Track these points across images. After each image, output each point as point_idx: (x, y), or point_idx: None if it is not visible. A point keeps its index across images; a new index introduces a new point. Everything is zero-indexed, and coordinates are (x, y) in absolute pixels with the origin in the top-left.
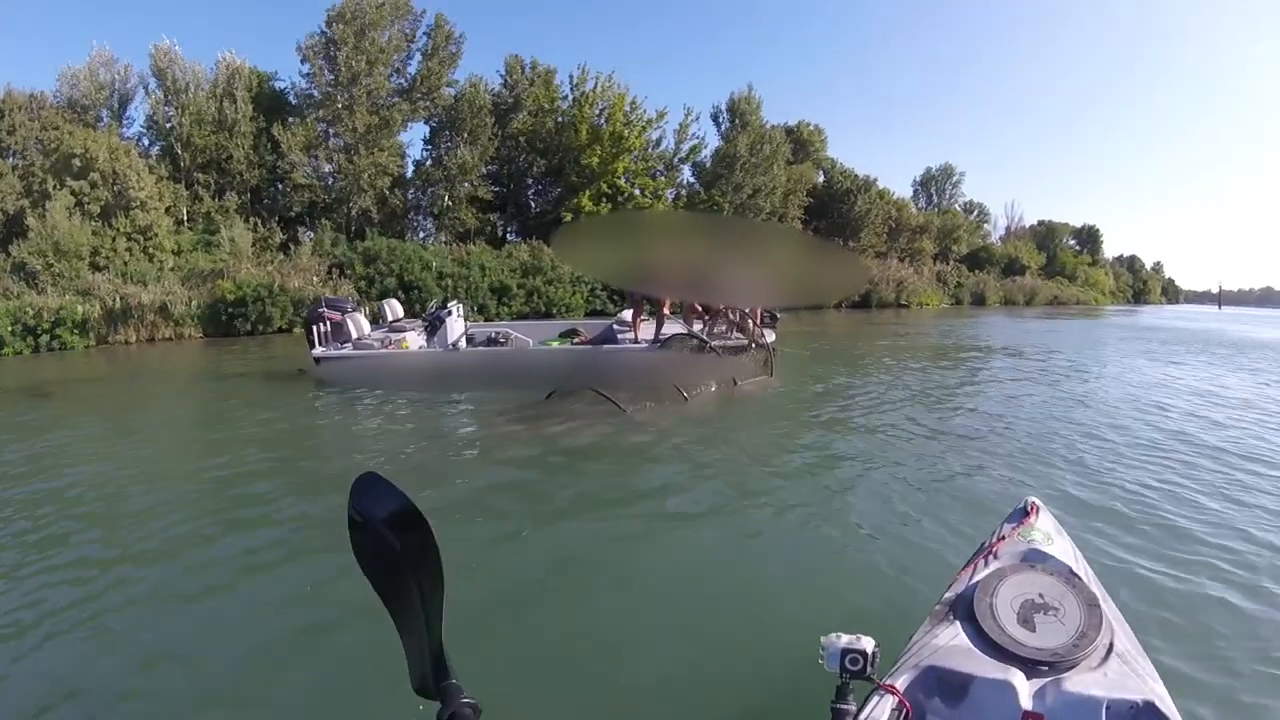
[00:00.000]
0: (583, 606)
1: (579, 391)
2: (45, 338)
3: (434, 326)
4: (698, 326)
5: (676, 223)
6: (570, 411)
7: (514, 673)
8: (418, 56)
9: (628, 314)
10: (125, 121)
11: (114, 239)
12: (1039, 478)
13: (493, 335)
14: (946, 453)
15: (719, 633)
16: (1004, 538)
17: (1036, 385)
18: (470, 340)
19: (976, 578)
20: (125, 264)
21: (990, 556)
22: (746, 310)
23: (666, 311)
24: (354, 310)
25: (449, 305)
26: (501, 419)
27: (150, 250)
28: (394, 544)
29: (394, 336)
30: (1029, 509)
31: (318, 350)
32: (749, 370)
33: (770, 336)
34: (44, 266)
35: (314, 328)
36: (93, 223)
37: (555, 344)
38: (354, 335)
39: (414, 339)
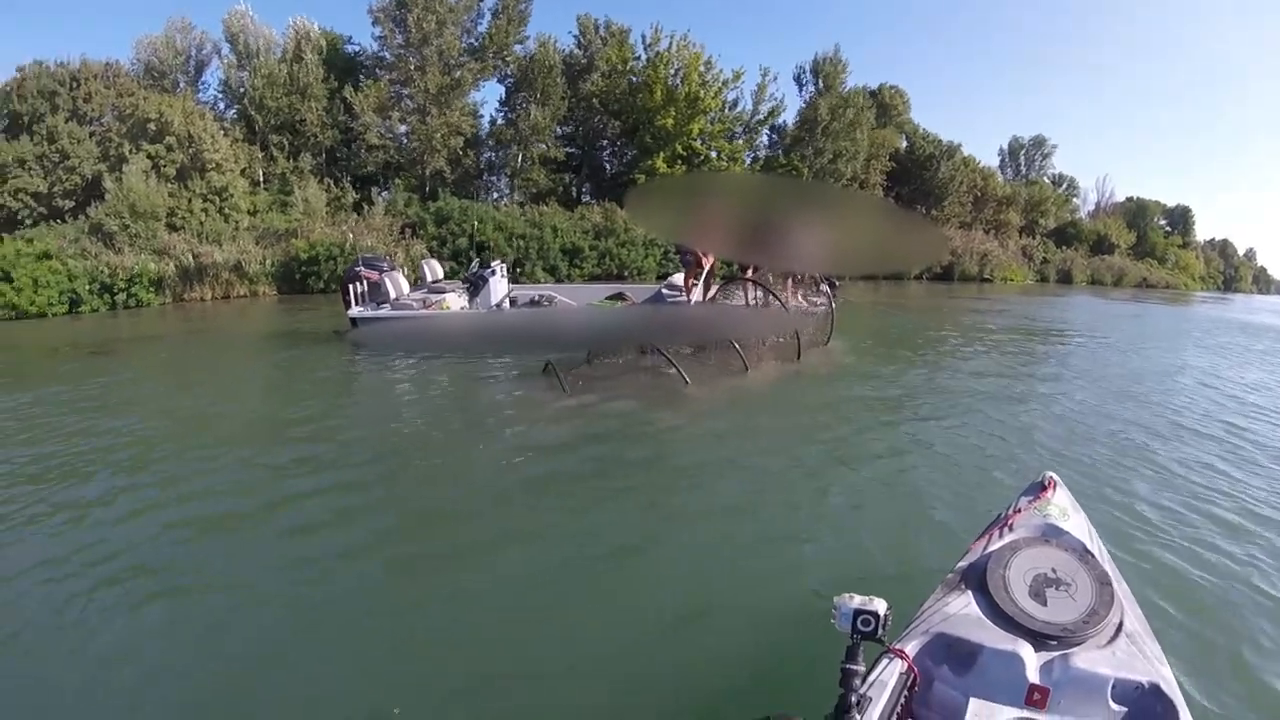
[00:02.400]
0: (610, 567)
1: (623, 353)
2: (122, 295)
3: (476, 287)
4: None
5: (751, 185)
6: (614, 377)
7: (554, 637)
8: (487, 16)
9: (679, 278)
10: (201, 86)
11: (190, 200)
12: (1061, 455)
13: (535, 298)
14: (976, 428)
15: (737, 593)
16: (1020, 510)
17: (1088, 372)
18: (513, 302)
19: (990, 549)
20: (201, 224)
21: (1005, 529)
22: (800, 277)
23: (709, 263)
24: (391, 269)
25: (492, 265)
26: (545, 387)
27: (226, 211)
28: None
29: (434, 298)
30: (1046, 484)
31: (354, 310)
32: (809, 335)
33: (821, 304)
34: (120, 227)
35: (350, 287)
36: (169, 184)
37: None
38: (392, 295)
39: (454, 300)
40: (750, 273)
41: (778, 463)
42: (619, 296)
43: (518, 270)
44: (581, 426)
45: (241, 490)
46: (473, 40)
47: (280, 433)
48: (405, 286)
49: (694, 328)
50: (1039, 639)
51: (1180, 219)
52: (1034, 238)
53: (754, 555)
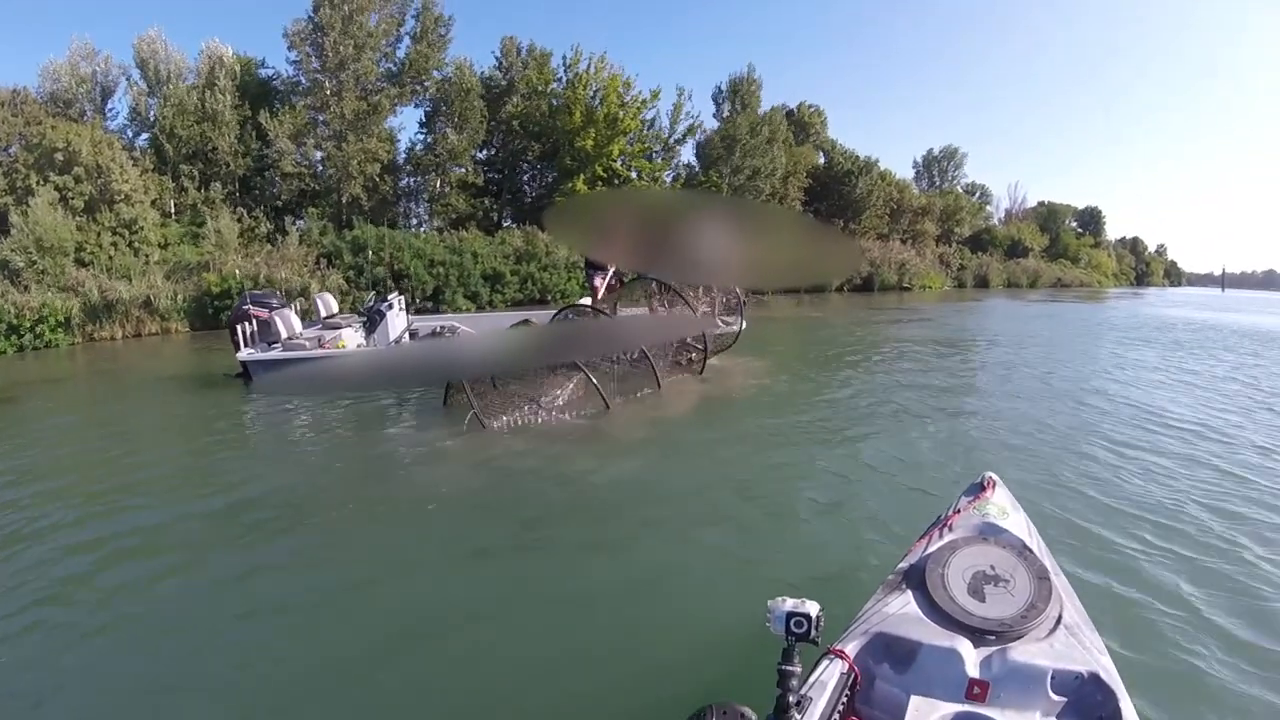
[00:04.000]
0: (542, 588)
1: (538, 376)
2: (29, 336)
3: (373, 322)
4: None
5: (670, 199)
6: (526, 407)
7: (490, 658)
8: (406, 40)
9: (585, 302)
10: (109, 114)
11: (99, 234)
12: (999, 455)
13: (437, 329)
14: (909, 431)
15: (677, 601)
16: (960, 511)
17: (1012, 372)
18: (414, 335)
19: (930, 549)
20: (110, 259)
21: (945, 529)
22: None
23: (609, 278)
24: (282, 306)
25: (389, 298)
26: (449, 422)
27: (136, 244)
28: None
29: (329, 335)
30: (985, 484)
31: (243, 353)
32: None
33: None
34: (27, 263)
35: (238, 328)
36: (77, 218)
37: None
38: (283, 334)
39: (351, 336)
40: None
41: (712, 481)
42: (524, 324)
43: (439, 298)
44: (500, 464)
45: (128, 554)
46: (391, 65)
47: (175, 489)
48: (297, 325)
49: (600, 340)
50: (978, 635)
51: (1091, 219)
52: (950, 245)
53: (697, 572)
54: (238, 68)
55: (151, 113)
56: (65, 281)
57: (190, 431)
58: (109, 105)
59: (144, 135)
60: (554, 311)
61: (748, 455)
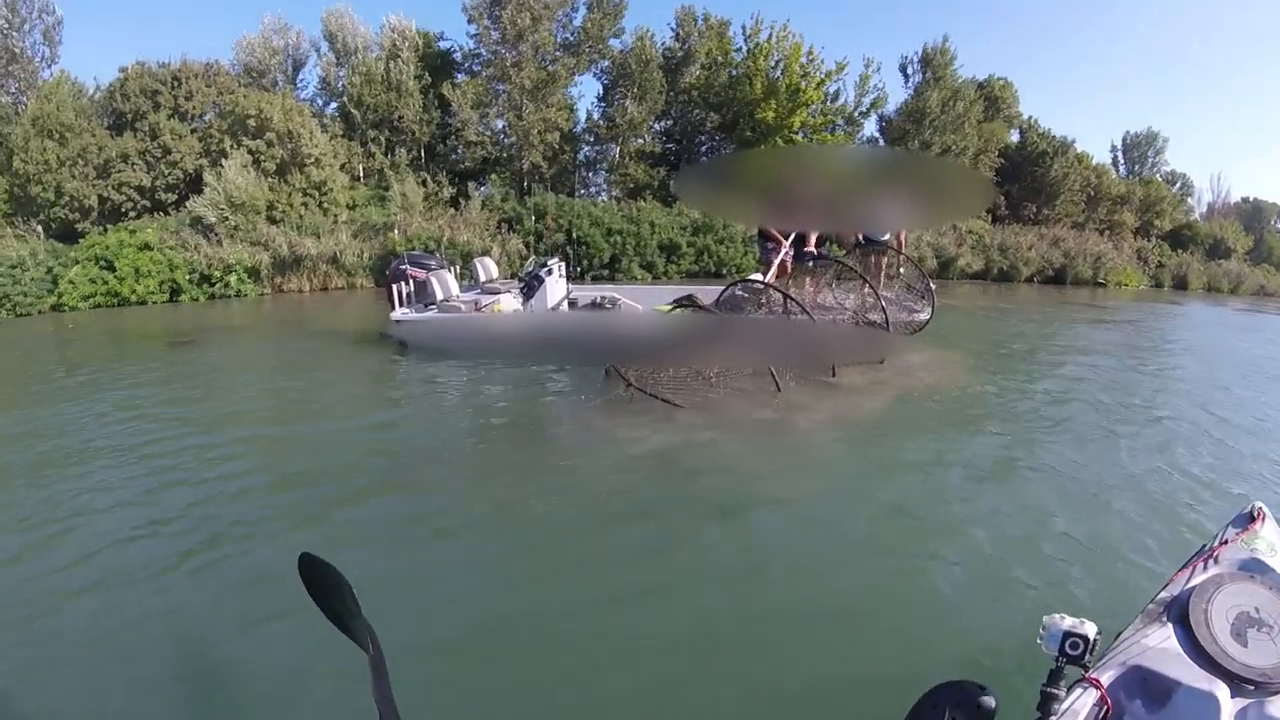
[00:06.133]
0: (788, 575)
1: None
2: (220, 285)
3: (531, 288)
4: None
5: (799, 155)
6: (685, 380)
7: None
8: (582, 10)
9: (756, 277)
10: (299, 84)
11: (289, 194)
12: (1267, 485)
13: (598, 299)
14: (1160, 448)
15: (918, 612)
16: (1226, 542)
17: (1243, 395)
18: (573, 304)
19: (1194, 581)
20: (300, 217)
21: (1210, 560)
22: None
23: (783, 253)
24: (440, 267)
25: (549, 264)
26: (607, 396)
27: (325, 205)
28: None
29: (485, 299)
30: (1255, 515)
31: (397, 313)
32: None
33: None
34: (220, 219)
35: (394, 287)
36: (269, 179)
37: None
38: (439, 296)
39: (509, 302)
40: (813, 243)
41: (924, 486)
42: (688, 300)
43: (615, 266)
44: (665, 443)
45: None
46: (568, 35)
47: (325, 437)
48: (454, 287)
49: (775, 345)
50: (1237, 682)
51: None
52: (1149, 239)
53: (932, 575)
54: (420, 41)
55: (340, 83)
56: (256, 237)
57: (345, 386)
58: (299, 76)
59: (333, 104)
60: (724, 286)
61: (960, 464)
